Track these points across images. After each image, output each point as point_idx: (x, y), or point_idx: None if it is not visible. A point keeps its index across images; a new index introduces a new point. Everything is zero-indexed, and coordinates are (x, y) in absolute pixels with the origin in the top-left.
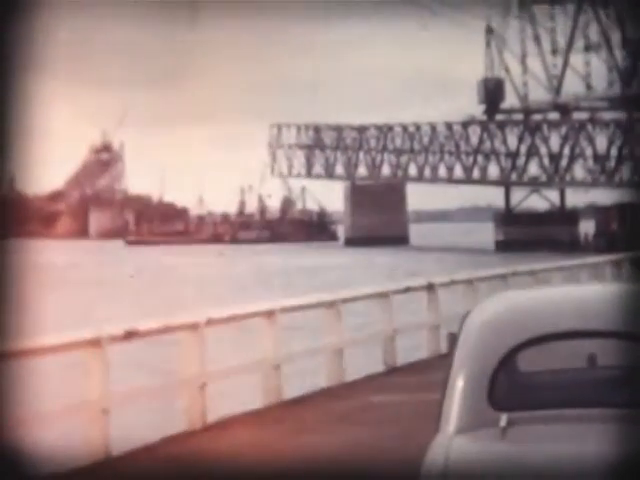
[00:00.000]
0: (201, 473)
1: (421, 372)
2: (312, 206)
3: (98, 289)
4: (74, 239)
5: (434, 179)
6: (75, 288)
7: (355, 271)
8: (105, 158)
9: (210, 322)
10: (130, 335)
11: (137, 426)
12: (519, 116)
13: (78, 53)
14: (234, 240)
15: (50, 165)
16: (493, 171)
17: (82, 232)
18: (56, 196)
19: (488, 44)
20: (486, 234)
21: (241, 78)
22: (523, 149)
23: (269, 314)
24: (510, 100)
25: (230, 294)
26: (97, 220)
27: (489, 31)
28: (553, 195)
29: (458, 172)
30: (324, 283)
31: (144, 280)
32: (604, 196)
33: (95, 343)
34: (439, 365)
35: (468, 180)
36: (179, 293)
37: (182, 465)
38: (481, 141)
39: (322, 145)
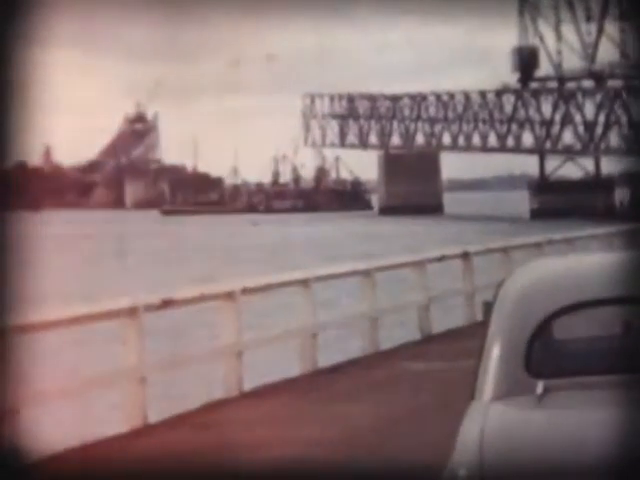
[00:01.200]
0: (236, 440)
1: (457, 340)
2: (346, 176)
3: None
4: (110, 209)
5: (468, 148)
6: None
7: (392, 239)
8: (139, 128)
9: (245, 291)
10: (166, 304)
11: (174, 394)
12: (553, 84)
13: (111, 28)
14: (268, 210)
15: (86, 136)
16: (527, 139)
17: (118, 202)
18: (92, 167)
19: (521, 12)
20: (521, 202)
21: (272, 48)
22: (557, 117)
23: (304, 283)
24: (544, 68)
25: (267, 265)
26: (132, 190)
27: None
28: (588, 163)
29: (492, 141)
30: (363, 251)
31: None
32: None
33: (132, 312)
34: (474, 333)
35: (502, 148)
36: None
37: (218, 433)
38: (515, 109)
39: (356, 115)
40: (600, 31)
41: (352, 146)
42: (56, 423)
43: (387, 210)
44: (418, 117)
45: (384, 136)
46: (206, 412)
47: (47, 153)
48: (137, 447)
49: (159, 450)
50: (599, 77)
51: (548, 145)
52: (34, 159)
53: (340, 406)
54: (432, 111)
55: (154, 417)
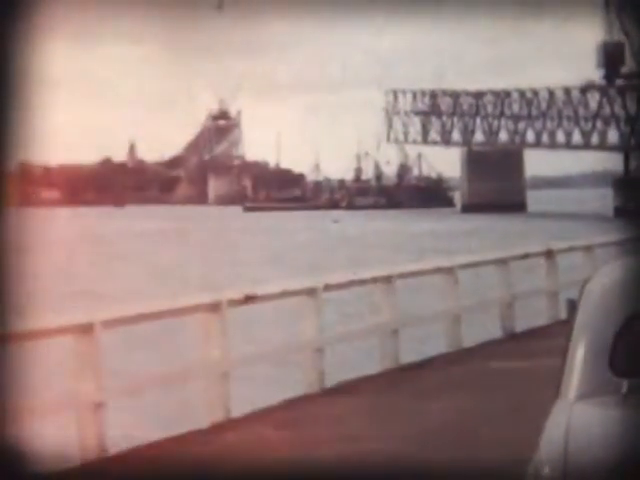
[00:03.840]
0: (317, 436)
1: (540, 338)
2: (428, 173)
3: None
4: (193, 205)
5: (552, 145)
6: None
7: (476, 236)
8: (222, 125)
9: (327, 287)
10: (249, 299)
11: (256, 389)
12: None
13: (193, 25)
14: (350, 206)
15: (170, 132)
16: (612, 136)
17: (201, 198)
18: (175, 162)
19: (607, 6)
20: (605, 200)
21: (356, 45)
22: None
23: (387, 279)
24: (630, 64)
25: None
26: (215, 186)
27: None
28: None
29: (576, 138)
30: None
31: None
32: None
33: (215, 307)
34: (558, 331)
35: (587, 146)
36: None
37: (300, 429)
38: (600, 106)
39: (438, 111)
40: None
41: (434, 143)
42: (138, 416)
43: (470, 207)
44: (501, 114)
45: (467, 133)
46: (287, 408)
47: (132, 149)
48: (220, 441)
49: (241, 445)
50: None
51: (633, 142)
52: (120, 155)
53: (420, 403)
54: (515, 108)
55: (236, 412)
